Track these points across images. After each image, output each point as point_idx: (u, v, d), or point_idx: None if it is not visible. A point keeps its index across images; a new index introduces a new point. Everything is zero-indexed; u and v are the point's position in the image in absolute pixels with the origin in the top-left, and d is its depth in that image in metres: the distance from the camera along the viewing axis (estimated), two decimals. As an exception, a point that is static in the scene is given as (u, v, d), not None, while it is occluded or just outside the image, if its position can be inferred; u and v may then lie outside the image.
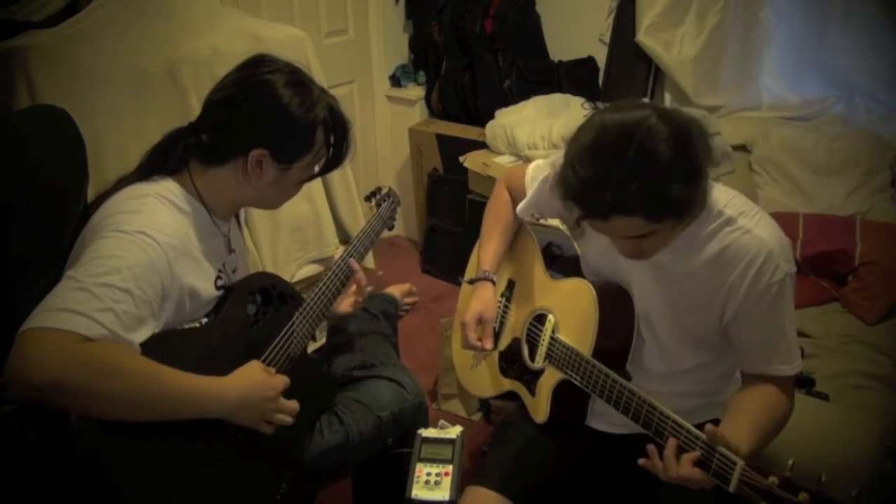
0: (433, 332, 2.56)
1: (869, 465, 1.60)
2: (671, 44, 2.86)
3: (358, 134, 3.49)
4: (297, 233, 2.41)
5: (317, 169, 1.39)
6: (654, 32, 2.84)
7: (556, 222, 1.64)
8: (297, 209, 2.40)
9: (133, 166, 1.33)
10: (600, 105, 2.82)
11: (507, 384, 1.57)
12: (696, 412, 1.41)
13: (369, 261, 2.58)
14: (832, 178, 2.56)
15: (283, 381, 1.28)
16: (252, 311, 1.35)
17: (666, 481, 1.15)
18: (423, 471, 1.25)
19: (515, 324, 1.55)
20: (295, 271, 2.41)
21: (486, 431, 2.35)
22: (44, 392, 1.03)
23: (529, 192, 1.51)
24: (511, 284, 1.63)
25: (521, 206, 1.54)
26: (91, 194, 1.58)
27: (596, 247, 1.42)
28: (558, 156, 1.45)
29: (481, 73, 3.19)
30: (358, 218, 2.60)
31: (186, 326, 1.26)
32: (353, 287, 1.60)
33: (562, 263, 1.56)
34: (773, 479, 1.01)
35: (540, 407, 1.45)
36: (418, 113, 3.47)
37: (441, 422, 1.35)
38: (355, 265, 1.57)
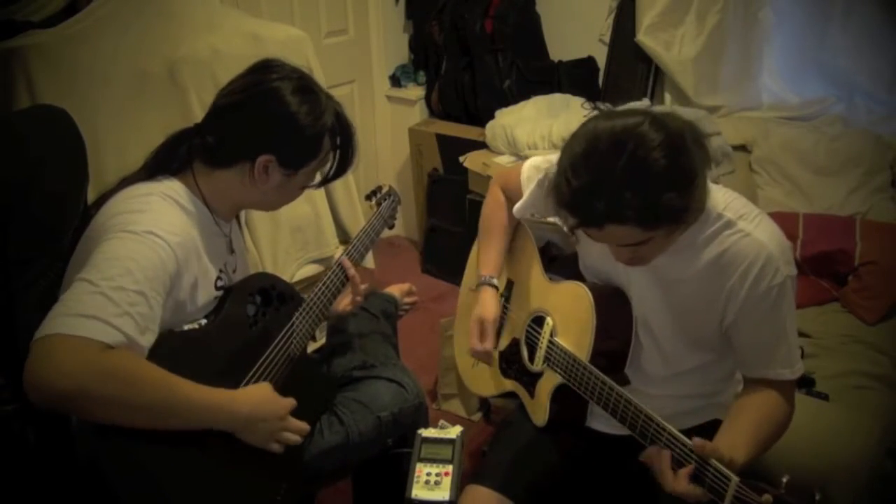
0: (433, 332, 2.56)
1: (869, 465, 1.59)
2: (671, 44, 2.86)
3: (358, 134, 3.51)
4: (297, 233, 2.41)
5: (319, 177, 1.40)
6: (654, 32, 2.84)
7: (554, 219, 1.63)
8: (297, 209, 2.40)
9: (133, 166, 1.34)
10: (600, 105, 2.82)
11: (508, 384, 1.57)
12: (697, 413, 1.41)
13: (369, 260, 2.58)
14: (832, 178, 2.56)
15: (290, 402, 1.29)
16: (252, 312, 1.35)
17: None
18: (423, 471, 1.25)
19: (514, 324, 1.55)
20: (295, 271, 2.41)
21: (486, 431, 2.35)
22: (67, 400, 1.04)
23: (526, 193, 1.50)
24: (510, 285, 1.62)
25: (517, 206, 1.53)
26: (91, 194, 1.57)
27: (594, 249, 1.42)
28: (553, 159, 1.45)
29: (481, 73, 3.19)
30: (358, 218, 2.60)
31: (186, 328, 1.26)
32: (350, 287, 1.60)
33: (560, 264, 1.55)
34: (766, 497, 1.00)
35: (539, 410, 1.45)
36: (418, 113, 3.47)
37: (441, 422, 1.35)
38: (347, 263, 1.56)
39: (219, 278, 1.33)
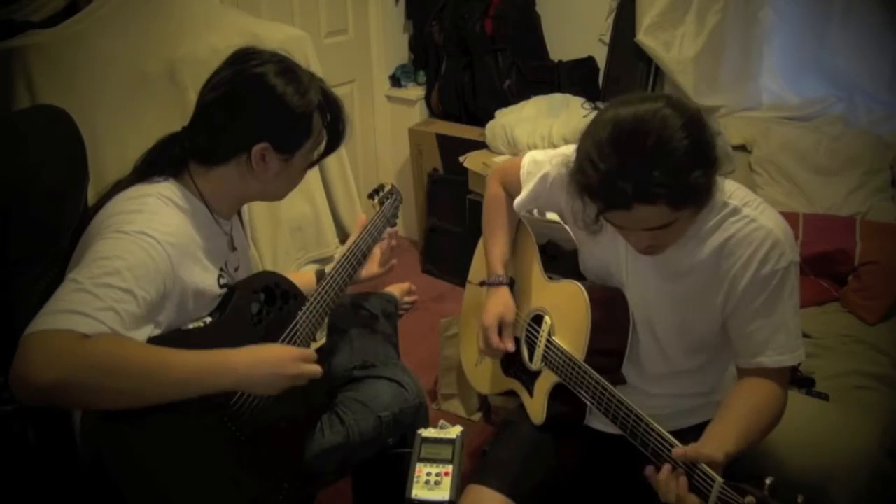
0: (433, 332, 2.56)
1: (869, 465, 1.59)
2: (671, 44, 2.86)
3: (358, 134, 3.53)
4: (297, 233, 2.41)
5: (317, 154, 1.38)
6: (654, 32, 2.84)
7: (553, 216, 1.63)
8: (297, 209, 2.40)
9: (132, 166, 1.33)
10: (600, 105, 2.82)
11: (508, 383, 1.57)
12: (695, 413, 1.41)
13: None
14: (832, 178, 2.56)
15: (301, 351, 1.29)
16: (255, 310, 1.35)
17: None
18: (423, 471, 1.25)
19: (515, 323, 1.55)
20: (295, 271, 2.41)
21: (486, 431, 2.35)
22: (50, 393, 1.03)
23: (527, 187, 1.50)
24: (511, 283, 1.62)
25: (518, 200, 1.53)
26: (91, 194, 1.58)
27: (595, 249, 1.42)
28: (557, 154, 1.44)
29: (481, 73, 3.19)
30: (358, 217, 2.60)
31: (190, 326, 1.26)
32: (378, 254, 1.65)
33: (560, 263, 1.55)
34: (749, 499, 1.01)
35: (536, 408, 1.45)
36: (418, 113, 3.47)
37: (441, 422, 1.35)
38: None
39: (220, 276, 1.33)
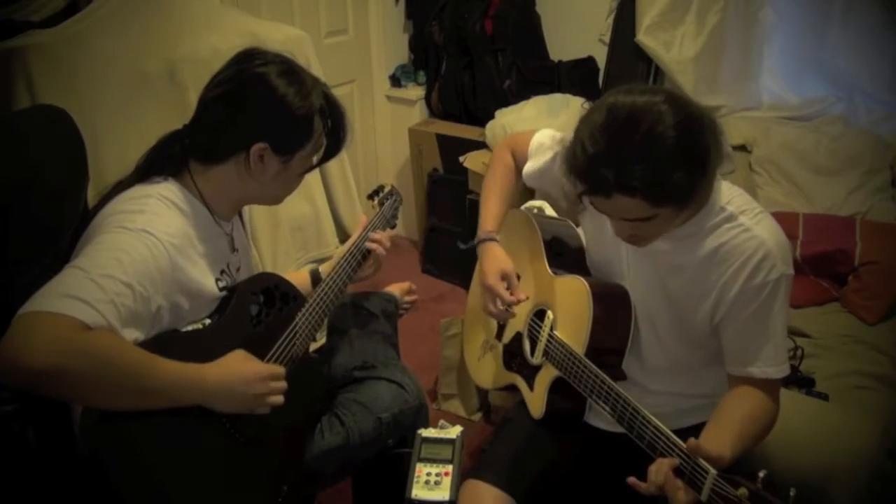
0: (433, 332, 2.56)
1: (869, 465, 1.59)
2: (671, 44, 2.86)
3: (358, 134, 3.53)
4: (297, 233, 2.41)
5: (316, 159, 1.38)
6: (654, 32, 2.84)
7: (551, 212, 1.63)
8: (297, 209, 2.40)
9: (133, 166, 1.33)
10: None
11: (509, 377, 1.57)
12: (694, 412, 1.41)
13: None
14: (832, 178, 2.56)
15: (264, 365, 1.27)
16: (255, 312, 1.35)
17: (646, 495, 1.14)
18: (423, 471, 1.26)
19: (518, 318, 1.55)
20: (295, 271, 2.41)
21: (486, 431, 2.35)
22: (41, 378, 1.02)
23: (536, 160, 1.52)
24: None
25: (527, 168, 1.54)
26: (91, 195, 1.58)
27: (599, 240, 1.42)
28: (567, 134, 1.45)
29: (481, 73, 3.19)
30: (358, 217, 2.60)
31: (189, 328, 1.26)
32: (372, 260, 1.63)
33: (566, 258, 1.56)
34: (742, 491, 1.01)
35: (536, 402, 1.46)
36: (418, 113, 3.47)
37: (441, 422, 1.35)
38: (375, 236, 1.60)
39: (220, 279, 1.33)
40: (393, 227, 1.78)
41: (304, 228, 2.43)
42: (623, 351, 1.38)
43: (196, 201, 1.29)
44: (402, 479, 1.26)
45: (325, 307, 1.50)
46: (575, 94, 3.03)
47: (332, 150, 1.38)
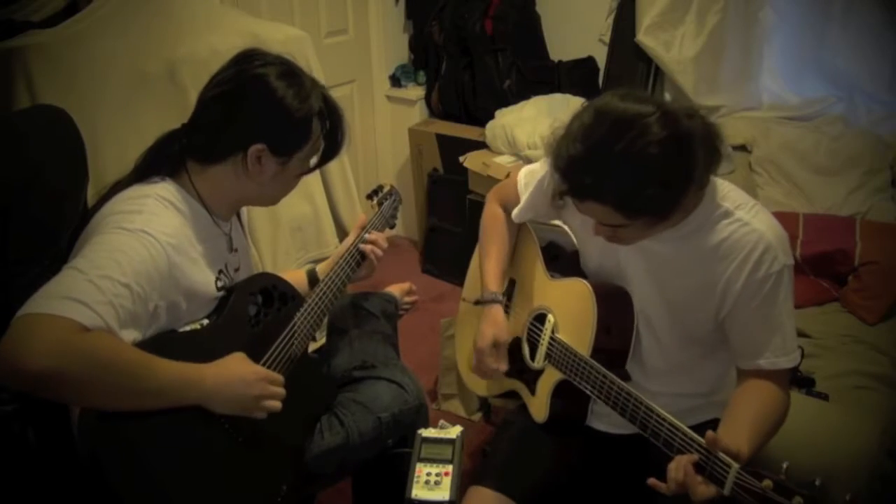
0: (433, 332, 2.56)
1: (869, 465, 1.59)
2: (671, 44, 2.86)
3: (358, 134, 3.53)
4: (297, 233, 2.41)
5: (314, 161, 1.38)
6: (654, 32, 2.84)
7: (558, 222, 1.64)
8: (297, 209, 2.40)
9: (133, 166, 1.33)
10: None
11: (509, 383, 1.57)
12: (696, 412, 1.41)
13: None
14: (832, 178, 2.56)
15: (266, 372, 1.27)
16: (253, 312, 1.35)
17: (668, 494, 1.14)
18: (423, 471, 1.25)
19: (516, 323, 1.55)
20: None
21: (486, 431, 2.35)
22: (40, 380, 1.02)
23: (525, 197, 1.52)
24: (511, 284, 1.63)
25: (517, 210, 1.55)
26: (91, 195, 1.57)
27: (595, 246, 1.42)
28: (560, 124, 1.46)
29: (481, 73, 3.19)
30: (358, 217, 2.60)
31: (188, 328, 1.26)
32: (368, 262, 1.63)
33: (562, 262, 1.56)
34: (767, 483, 1.01)
35: (539, 406, 1.45)
36: (418, 113, 3.47)
37: (441, 422, 1.34)
38: (373, 237, 1.61)
39: (218, 279, 1.33)
40: (392, 226, 1.78)
41: (303, 228, 2.43)
42: (627, 351, 1.37)
43: (194, 201, 1.29)
44: (402, 479, 1.25)
45: (324, 307, 1.50)
46: (575, 94, 3.03)
47: (331, 152, 1.38)
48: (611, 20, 3.02)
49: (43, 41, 1.89)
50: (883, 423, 1.69)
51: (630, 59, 2.94)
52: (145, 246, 1.15)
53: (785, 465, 1.02)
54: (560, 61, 3.23)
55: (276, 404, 1.27)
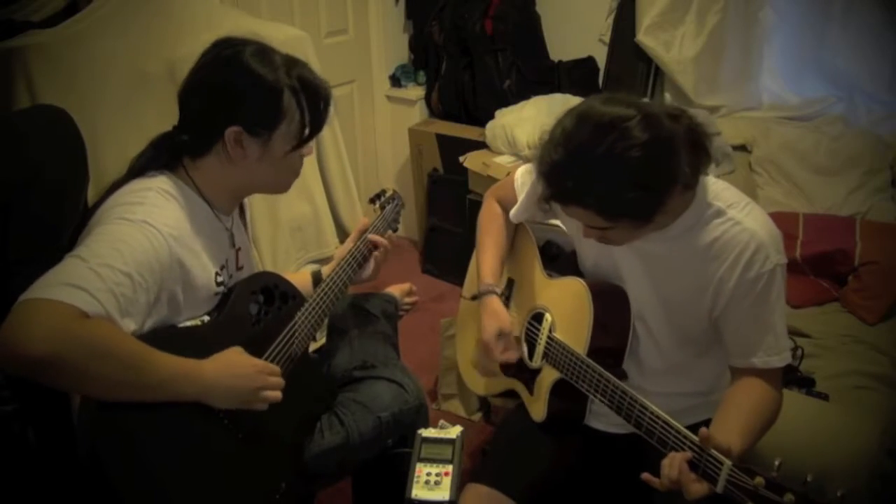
0: (433, 332, 2.56)
1: (869, 465, 1.60)
2: (671, 44, 2.86)
3: (358, 134, 3.53)
4: (297, 233, 2.41)
5: (298, 139, 1.33)
6: (654, 32, 2.84)
7: (554, 221, 1.64)
8: (297, 209, 2.40)
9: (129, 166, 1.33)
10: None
11: (508, 382, 1.57)
12: (692, 411, 1.41)
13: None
14: (832, 178, 2.56)
15: (260, 361, 1.27)
16: (254, 311, 1.35)
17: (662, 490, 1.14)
18: (423, 471, 1.25)
19: (515, 323, 1.55)
20: (294, 272, 2.41)
21: (486, 431, 2.35)
22: (39, 366, 1.02)
23: (521, 197, 1.53)
24: (510, 283, 1.63)
25: (514, 210, 1.55)
26: (91, 194, 1.58)
27: (591, 246, 1.43)
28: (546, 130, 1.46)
29: (481, 73, 3.19)
30: (358, 218, 2.60)
31: (189, 324, 1.26)
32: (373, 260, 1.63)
33: (560, 262, 1.56)
34: (759, 480, 1.01)
35: (538, 405, 1.45)
36: (418, 113, 3.47)
37: (441, 422, 1.34)
38: (377, 239, 1.62)
39: (218, 274, 1.33)
40: (395, 230, 1.78)
41: (303, 228, 2.43)
42: (623, 349, 1.38)
43: (193, 194, 1.30)
44: (402, 479, 1.25)
45: (325, 307, 1.50)
46: (575, 94, 3.02)
47: (315, 125, 1.34)
48: (611, 20, 3.03)
49: (43, 41, 1.89)
50: (883, 423, 1.69)
51: (630, 59, 2.94)
52: (147, 236, 1.16)
53: (777, 462, 1.02)
54: (560, 61, 3.23)
55: (276, 395, 1.26)
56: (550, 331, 1.43)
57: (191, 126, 1.29)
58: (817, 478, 1.02)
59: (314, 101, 1.32)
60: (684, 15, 2.84)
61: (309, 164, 2.40)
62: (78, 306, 1.04)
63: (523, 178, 1.54)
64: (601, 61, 3.13)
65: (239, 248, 1.43)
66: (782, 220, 2.21)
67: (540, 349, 1.45)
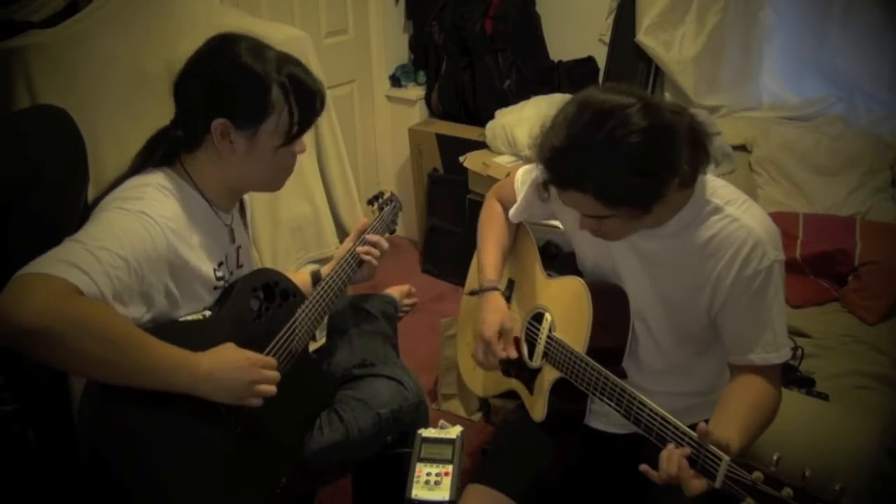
0: (433, 332, 2.56)
1: (869, 464, 1.60)
2: (671, 44, 2.86)
3: (358, 134, 3.53)
4: (297, 233, 2.41)
5: (287, 135, 1.32)
6: (654, 32, 2.84)
7: (555, 222, 1.64)
8: (297, 209, 2.40)
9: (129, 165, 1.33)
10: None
11: (508, 383, 1.57)
12: (692, 411, 1.41)
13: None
14: (832, 178, 2.56)
15: (255, 354, 1.26)
16: (255, 307, 1.36)
17: (660, 484, 1.14)
18: (423, 471, 1.25)
19: (515, 323, 1.55)
20: (294, 271, 2.41)
21: (486, 431, 2.35)
22: (30, 338, 1.02)
23: (520, 197, 1.53)
24: (510, 284, 1.63)
25: (513, 210, 1.56)
26: (91, 194, 1.58)
27: (590, 245, 1.43)
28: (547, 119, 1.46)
29: (481, 73, 3.19)
30: (358, 218, 2.60)
31: (189, 318, 1.26)
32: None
33: (560, 262, 1.56)
34: (757, 475, 1.02)
35: (538, 405, 1.46)
36: (418, 113, 3.47)
37: (441, 422, 1.35)
38: (374, 238, 1.61)
39: (217, 270, 1.33)
40: (392, 231, 1.78)
41: (303, 228, 2.43)
42: (623, 348, 1.38)
43: (193, 192, 1.30)
44: (402, 478, 1.25)
45: (325, 305, 1.50)
46: (575, 94, 3.02)
47: (303, 124, 1.33)
48: (611, 20, 3.03)
49: (43, 41, 1.89)
50: (883, 423, 1.69)
51: (630, 59, 2.94)
52: (145, 227, 1.17)
53: (776, 457, 1.02)
54: (560, 61, 3.23)
55: (271, 389, 1.26)
56: (550, 330, 1.44)
57: (182, 118, 1.29)
58: (816, 475, 1.02)
59: (303, 98, 1.31)
60: (684, 15, 2.84)
61: (309, 164, 2.39)
62: (73, 283, 1.05)
63: (523, 177, 1.54)
64: (601, 61, 3.13)
65: (239, 246, 1.43)
66: (782, 220, 2.21)
67: (540, 349, 1.45)
